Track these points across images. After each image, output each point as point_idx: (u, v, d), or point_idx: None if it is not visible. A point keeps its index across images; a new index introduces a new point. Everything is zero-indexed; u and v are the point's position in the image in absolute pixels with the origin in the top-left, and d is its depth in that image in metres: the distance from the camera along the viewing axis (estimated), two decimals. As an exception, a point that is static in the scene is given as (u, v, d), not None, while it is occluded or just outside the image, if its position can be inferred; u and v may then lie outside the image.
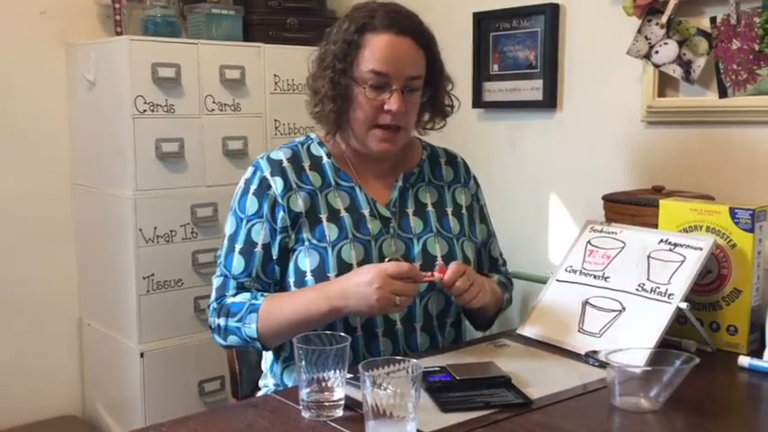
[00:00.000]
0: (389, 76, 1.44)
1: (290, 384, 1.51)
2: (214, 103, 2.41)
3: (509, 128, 2.29)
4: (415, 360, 1.11)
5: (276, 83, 2.52)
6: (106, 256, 2.46)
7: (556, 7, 2.11)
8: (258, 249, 1.49)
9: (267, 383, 1.58)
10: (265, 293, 1.48)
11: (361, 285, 1.34)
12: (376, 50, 1.44)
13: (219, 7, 2.53)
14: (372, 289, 1.32)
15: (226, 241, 1.53)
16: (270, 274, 1.50)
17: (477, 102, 2.32)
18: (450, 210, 1.60)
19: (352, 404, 1.17)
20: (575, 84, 2.12)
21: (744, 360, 1.39)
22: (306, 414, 1.17)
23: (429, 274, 1.40)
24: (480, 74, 2.30)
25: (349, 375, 1.18)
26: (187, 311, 2.39)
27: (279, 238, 1.48)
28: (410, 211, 1.56)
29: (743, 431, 1.18)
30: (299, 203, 1.48)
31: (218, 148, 2.42)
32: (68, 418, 2.64)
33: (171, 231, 2.36)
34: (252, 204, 1.50)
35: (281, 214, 1.48)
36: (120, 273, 2.37)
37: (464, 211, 1.62)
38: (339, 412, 1.16)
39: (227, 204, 1.57)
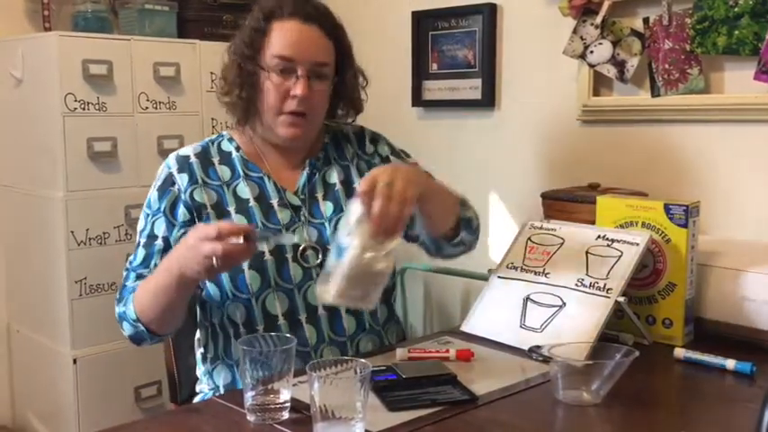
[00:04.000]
0: (295, 60, 1.44)
1: (221, 385, 1.49)
2: (148, 101, 2.35)
3: (448, 126, 2.31)
4: (363, 360, 1.10)
5: (213, 81, 2.47)
6: (36, 260, 2.38)
7: (493, 7, 2.13)
8: (158, 242, 1.47)
9: (203, 389, 1.55)
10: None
11: (189, 247, 1.27)
12: (281, 36, 1.45)
13: (152, 3, 2.47)
14: (200, 247, 1.24)
15: (137, 236, 1.52)
16: None
17: (417, 100, 2.33)
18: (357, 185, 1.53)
19: (298, 406, 1.15)
20: (512, 83, 2.14)
21: (679, 352, 1.43)
22: (251, 418, 1.15)
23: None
24: (420, 73, 2.31)
25: (295, 380, 1.16)
26: (122, 315, 2.33)
27: (179, 232, 1.46)
28: (320, 195, 1.54)
29: (680, 421, 1.21)
30: (204, 196, 1.48)
31: (153, 148, 2.36)
32: (-3, 429, 2.55)
33: (104, 233, 2.29)
34: (155, 200, 1.50)
35: (181, 209, 1.47)
36: (51, 276, 2.29)
37: None
38: (285, 415, 1.14)
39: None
